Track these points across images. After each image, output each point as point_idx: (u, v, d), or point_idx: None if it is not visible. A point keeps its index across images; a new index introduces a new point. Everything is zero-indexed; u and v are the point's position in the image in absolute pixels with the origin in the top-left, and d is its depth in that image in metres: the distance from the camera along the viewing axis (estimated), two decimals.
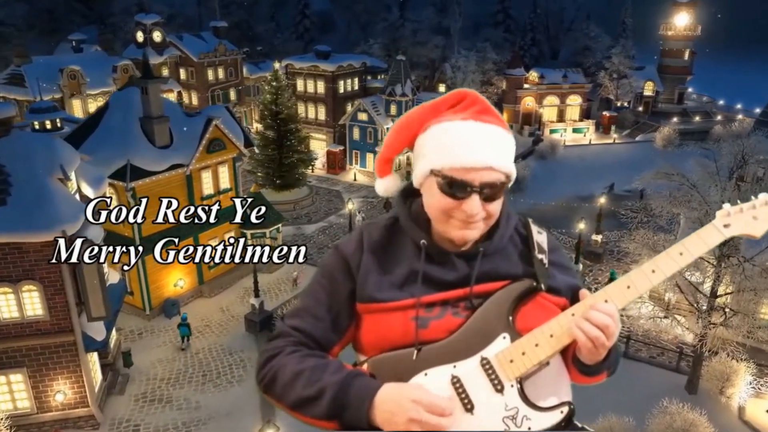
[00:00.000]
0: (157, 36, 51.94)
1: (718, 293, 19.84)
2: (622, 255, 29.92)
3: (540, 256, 1.72)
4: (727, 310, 19.72)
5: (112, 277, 22.04)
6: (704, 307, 20.73)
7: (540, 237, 1.77)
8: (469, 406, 1.51)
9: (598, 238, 33.25)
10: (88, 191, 20.03)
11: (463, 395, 1.52)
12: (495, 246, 1.68)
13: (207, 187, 27.79)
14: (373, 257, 1.70)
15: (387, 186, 1.79)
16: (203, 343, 25.08)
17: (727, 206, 1.66)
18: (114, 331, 23.32)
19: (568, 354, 1.62)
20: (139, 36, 51.72)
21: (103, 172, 22.84)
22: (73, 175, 19.37)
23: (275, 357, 1.64)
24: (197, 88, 54.52)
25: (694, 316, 21.70)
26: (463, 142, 1.57)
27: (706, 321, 19.25)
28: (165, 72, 52.42)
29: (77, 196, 19.62)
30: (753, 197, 1.66)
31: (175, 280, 27.07)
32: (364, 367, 1.63)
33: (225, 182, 28.69)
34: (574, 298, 1.67)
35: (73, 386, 19.35)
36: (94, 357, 20.31)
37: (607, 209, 34.76)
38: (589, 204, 39.85)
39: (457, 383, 1.53)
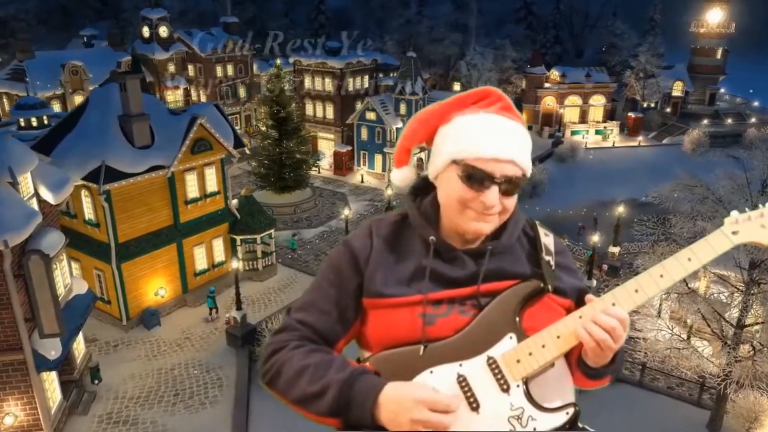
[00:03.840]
0: (163, 31, 50.66)
1: (746, 323, 17.33)
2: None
3: (547, 257, 1.72)
4: (755, 343, 17.20)
5: (79, 287, 20.48)
6: (730, 334, 18.27)
7: (547, 239, 1.76)
8: (474, 405, 1.52)
9: (616, 250, 30.72)
10: (47, 196, 18.42)
11: (468, 394, 1.53)
12: (503, 245, 1.68)
13: (192, 191, 26.04)
14: (382, 252, 1.69)
15: (404, 176, 1.78)
16: (180, 357, 23.37)
17: (735, 213, 1.65)
18: (82, 344, 21.80)
19: (572, 357, 1.62)
20: (145, 31, 50.50)
21: (73, 174, 21.33)
22: (28, 178, 17.78)
23: (280, 351, 1.63)
24: (205, 85, 53.15)
25: (718, 342, 19.24)
26: (487, 134, 1.58)
27: (731, 357, 16.77)
28: (171, 68, 51.21)
29: (34, 201, 18.05)
30: (761, 205, 1.65)
31: (156, 289, 25.46)
32: (368, 363, 1.61)
33: (212, 185, 26.92)
34: (579, 300, 1.67)
35: (24, 408, 17.78)
36: (51, 375, 18.73)
37: (626, 220, 32.14)
38: (608, 213, 37.26)
39: (462, 382, 1.54)
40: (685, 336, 20.49)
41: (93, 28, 60.72)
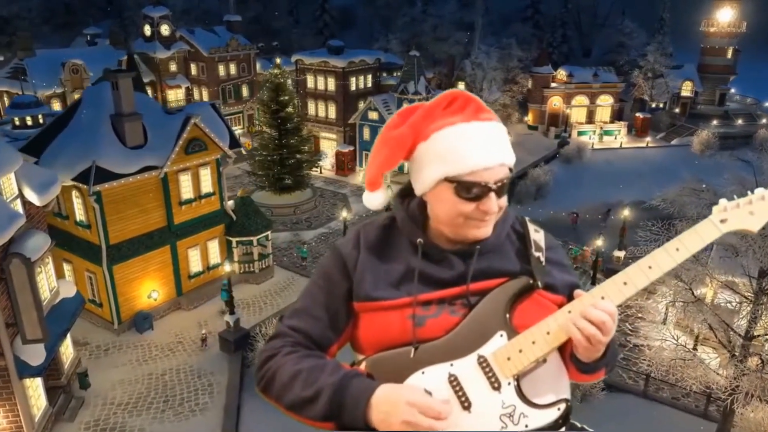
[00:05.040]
0: (165, 30, 50.23)
1: (755, 334, 16.56)
2: None
3: (537, 253, 1.71)
4: (764, 355, 16.43)
5: (67, 290, 20.00)
6: (738, 344, 17.49)
7: (537, 235, 1.76)
8: (466, 404, 1.52)
9: (621, 254, 29.91)
10: (32, 197, 17.93)
11: (460, 393, 1.53)
12: (492, 243, 1.68)
13: (186, 192, 25.51)
14: (370, 256, 1.70)
15: (381, 200, 1.76)
16: (172, 362, 22.86)
17: (723, 201, 1.63)
18: (71, 348, 21.33)
19: (566, 351, 1.61)
20: (147, 30, 50.11)
21: (63, 175, 20.89)
22: (12, 179, 17.30)
23: (273, 357, 1.63)
24: (207, 84, 52.71)
25: (725, 352, 18.45)
26: (473, 146, 1.58)
27: (739, 371, 16.00)
28: (173, 67, 50.81)
29: (18, 203, 17.57)
30: (749, 192, 1.62)
31: (149, 291, 24.96)
32: (362, 366, 1.62)
33: (207, 186, 26.39)
34: (571, 296, 1.64)
35: (7, 415, 17.30)
36: (35, 381, 18.25)
37: (632, 223, 31.32)
38: (614, 216, 36.44)
39: (454, 381, 1.54)
40: (691, 346, 19.71)
41: (97, 26, 60.54)
